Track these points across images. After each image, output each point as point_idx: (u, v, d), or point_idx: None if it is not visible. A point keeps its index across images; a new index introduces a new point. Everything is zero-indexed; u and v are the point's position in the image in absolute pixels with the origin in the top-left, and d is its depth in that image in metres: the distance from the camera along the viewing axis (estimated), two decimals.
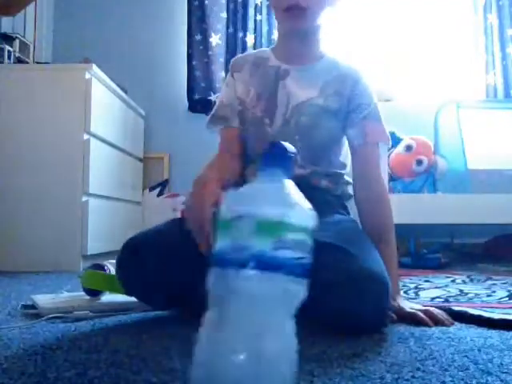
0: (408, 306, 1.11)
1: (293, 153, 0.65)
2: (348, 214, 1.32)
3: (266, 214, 0.57)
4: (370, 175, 1.27)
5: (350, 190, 1.32)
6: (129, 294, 1.13)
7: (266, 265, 0.56)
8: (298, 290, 0.58)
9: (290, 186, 0.62)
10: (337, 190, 1.30)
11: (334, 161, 1.32)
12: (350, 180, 1.32)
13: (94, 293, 1.23)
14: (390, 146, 1.35)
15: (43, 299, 1.22)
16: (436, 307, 1.15)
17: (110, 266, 1.26)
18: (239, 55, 1.46)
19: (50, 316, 1.08)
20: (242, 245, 0.56)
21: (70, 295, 1.30)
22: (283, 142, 0.65)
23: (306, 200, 0.62)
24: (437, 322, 1.05)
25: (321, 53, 1.33)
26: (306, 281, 0.59)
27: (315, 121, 1.27)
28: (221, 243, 0.58)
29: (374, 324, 0.98)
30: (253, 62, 1.36)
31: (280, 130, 1.27)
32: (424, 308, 1.10)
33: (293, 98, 1.28)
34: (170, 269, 1.05)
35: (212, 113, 1.36)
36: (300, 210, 0.60)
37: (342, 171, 1.34)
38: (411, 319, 1.06)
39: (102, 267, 1.26)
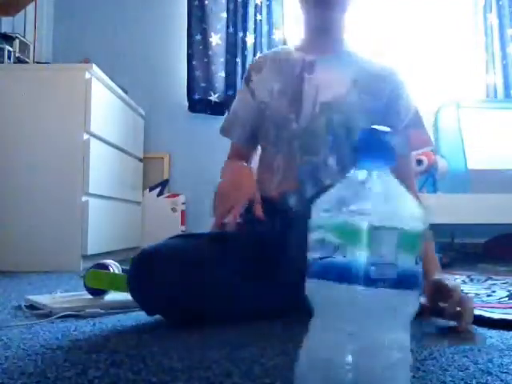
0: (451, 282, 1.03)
1: (391, 137, 0.60)
2: None
3: (408, 225, 0.54)
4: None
5: None
6: (143, 308, 1.05)
7: (409, 283, 0.54)
8: (417, 303, 0.57)
9: (395, 181, 0.58)
10: None
11: None
12: None
13: (97, 292, 1.23)
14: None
15: (45, 299, 1.21)
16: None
17: (114, 265, 1.26)
18: (260, 55, 1.45)
19: (61, 315, 1.09)
20: (386, 261, 0.53)
21: (70, 295, 1.30)
22: (377, 127, 0.60)
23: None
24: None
25: (347, 47, 1.30)
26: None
27: (350, 121, 1.21)
28: (355, 256, 0.53)
29: None
30: (274, 58, 1.33)
31: (307, 127, 1.22)
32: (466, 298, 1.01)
33: (322, 91, 1.23)
34: (187, 282, 1.00)
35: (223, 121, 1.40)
36: (419, 209, 0.58)
37: None
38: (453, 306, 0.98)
39: (105, 266, 1.25)
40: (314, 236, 0.57)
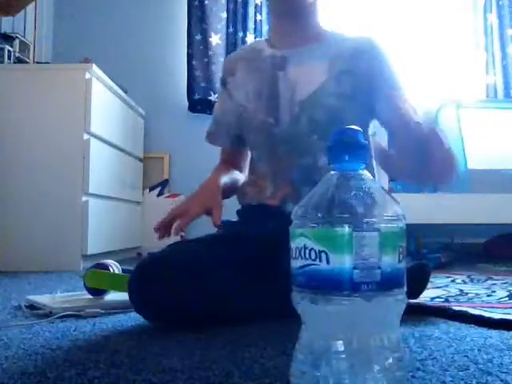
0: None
1: (364, 137, 0.59)
2: None
3: (387, 225, 0.54)
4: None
5: None
6: (145, 317, 1.03)
7: (394, 282, 0.55)
8: (403, 301, 0.57)
9: (370, 178, 0.58)
10: None
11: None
12: None
13: (97, 292, 1.23)
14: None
15: (45, 299, 1.21)
16: (436, 307, 1.14)
17: (114, 265, 1.26)
18: (230, 55, 1.38)
19: (61, 315, 1.09)
20: (369, 264, 0.53)
21: (70, 295, 1.30)
22: (351, 127, 0.59)
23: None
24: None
25: (321, 31, 1.21)
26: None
27: (335, 113, 1.13)
28: (338, 261, 0.53)
29: None
30: (246, 58, 1.27)
31: (290, 130, 1.17)
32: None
33: (299, 88, 1.16)
34: (187, 292, 0.98)
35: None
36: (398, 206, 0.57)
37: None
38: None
39: (105, 266, 1.25)
40: (295, 244, 0.57)
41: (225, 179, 1.22)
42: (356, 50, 1.17)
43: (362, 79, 1.15)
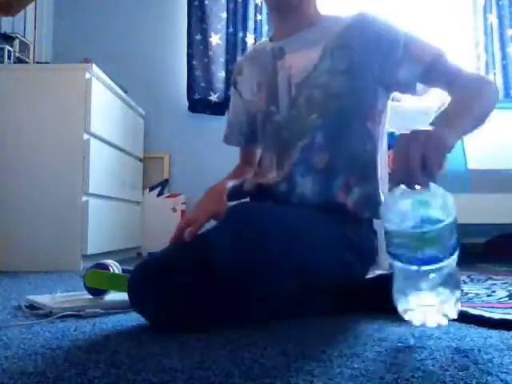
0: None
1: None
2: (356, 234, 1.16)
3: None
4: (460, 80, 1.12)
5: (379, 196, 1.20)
6: (143, 315, 1.01)
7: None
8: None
9: None
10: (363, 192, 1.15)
11: (364, 146, 1.17)
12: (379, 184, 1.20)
13: (97, 292, 1.23)
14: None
15: (45, 299, 1.21)
16: None
17: (114, 265, 1.26)
18: (241, 57, 1.47)
19: (61, 315, 1.09)
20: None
21: (70, 295, 1.30)
22: None
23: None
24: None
25: (316, 16, 1.24)
26: None
27: (331, 90, 1.15)
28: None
29: None
30: (250, 57, 1.34)
31: (289, 114, 1.19)
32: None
33: (295, 72, 1.19)
34: (189, 294, 0.96)
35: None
36: None
37: (373, 164, 1.18)
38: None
39: (105, 266, 1.25)
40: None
41: (234, 182, 1.26)
42: (349, 25, 1.19)
43: (358, 51, 1.16)
